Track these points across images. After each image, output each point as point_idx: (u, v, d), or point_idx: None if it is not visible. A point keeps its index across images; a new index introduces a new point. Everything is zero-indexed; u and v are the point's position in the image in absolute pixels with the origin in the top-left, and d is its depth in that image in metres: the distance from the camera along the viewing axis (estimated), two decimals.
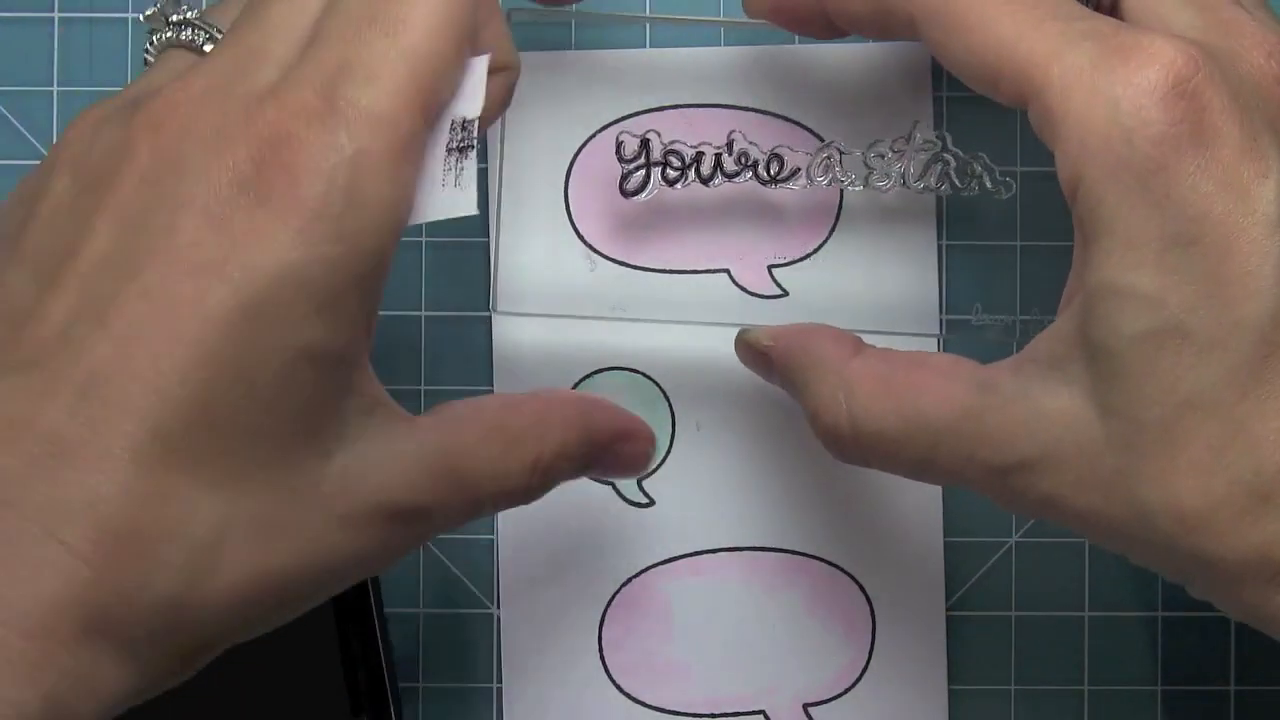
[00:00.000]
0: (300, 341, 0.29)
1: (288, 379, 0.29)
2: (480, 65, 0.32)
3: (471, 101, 0.32)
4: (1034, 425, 0.32)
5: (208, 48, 0.34)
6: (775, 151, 0.40)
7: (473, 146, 0.32)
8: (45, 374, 0.28)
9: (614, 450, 0.37)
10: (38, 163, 0.32)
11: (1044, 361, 0.32)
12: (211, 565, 0.29)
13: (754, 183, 0.40)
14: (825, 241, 0.42)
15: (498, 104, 0.34)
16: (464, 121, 0.32)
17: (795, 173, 0.40)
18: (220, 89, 0.30)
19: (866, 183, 0.40)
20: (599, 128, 0.41)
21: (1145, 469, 0.31)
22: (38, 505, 0.28)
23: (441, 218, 0.31)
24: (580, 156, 0.42)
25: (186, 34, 0.34)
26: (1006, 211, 0.42)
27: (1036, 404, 0.32)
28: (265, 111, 0.30)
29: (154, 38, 0.35)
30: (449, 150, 0.31)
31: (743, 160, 0.40)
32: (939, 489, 0.42)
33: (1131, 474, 0.31)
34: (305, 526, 0.30)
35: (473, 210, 0.31)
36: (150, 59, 0.35)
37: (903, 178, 0.40)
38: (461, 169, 0.31)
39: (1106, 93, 0.31)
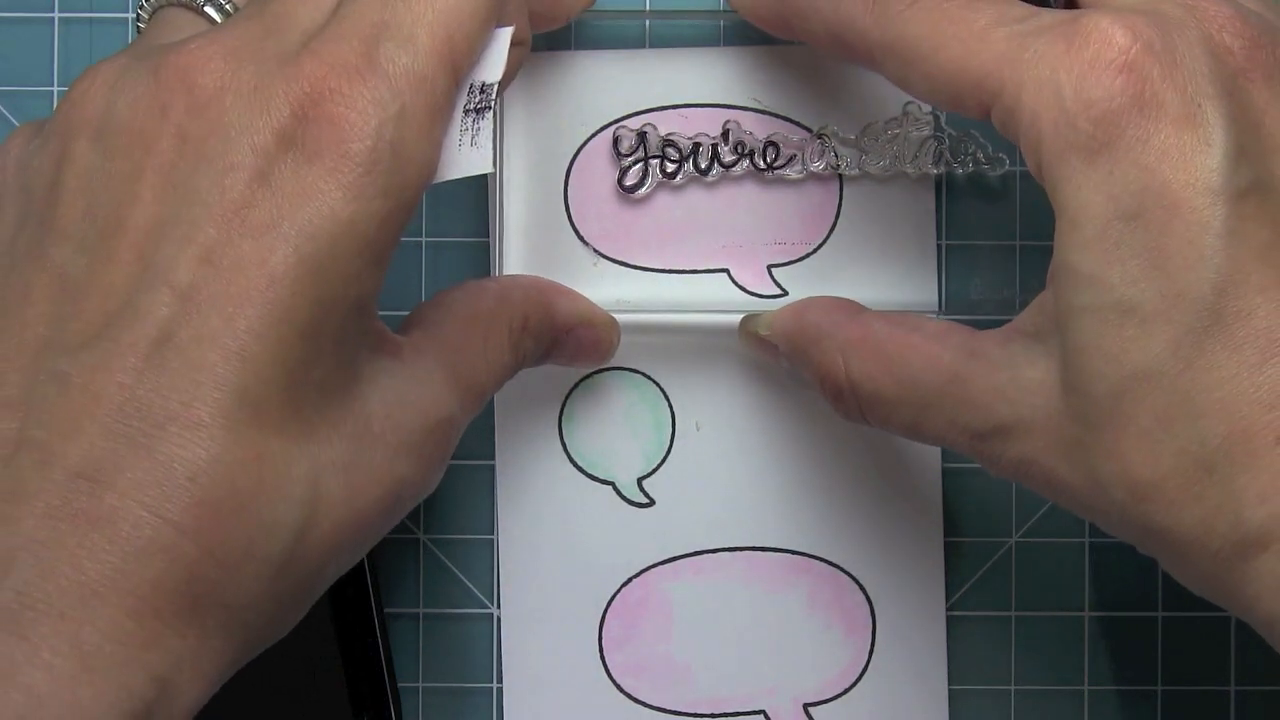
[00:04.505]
0: (355, 294, 0.30)
1: (343, 330, 0.30)
2: (504, 35, 0.33)
3: (493, 67, 0.33)
4: (1011, 393, 0.33)
5: (208, 8, 0.34)
6: (770, 140, 0.41)
7: (489, 108, 0.32)
8: (119, 346, 0.28)
9: (576, 334, 0.39)
10: None
11: (1029, 333, 0.33)
12: (312, 519, 0.30)
13: (751, 171, 0.41)
14: (824, 241, 0.42)
15: (510, 76, 0.34)
16: (483, 85, 0.32)
17: (791, 159, 0.41)
18: (251, 48, 0.31)
19: (861, 165, 0.41)
20: (598, 127, 0.41)
21: (1099, 441, 0.31)
22: (135, 483, 0.28)
23: (459, 176, 0.32)
24: (580, 156, 0.42)
25: None
26: (1006, 212, 0.42)
27: (1017, 373, 0.33)
28: (303, 66, 0.30)
29: None
30: (466, 111, 0.32)
31: (739, 149, 0.41)
32: (939, 489, 0.42)
33: (1088, 445, 0.31)
34: (374, 465, 0.31)
35: (489, 168, 0.32)
36: (144, 15, 0.35)
37: (897, 158, 0.41)
38: (479, 129, 0.32)
39: (1051, 80, 0.31)
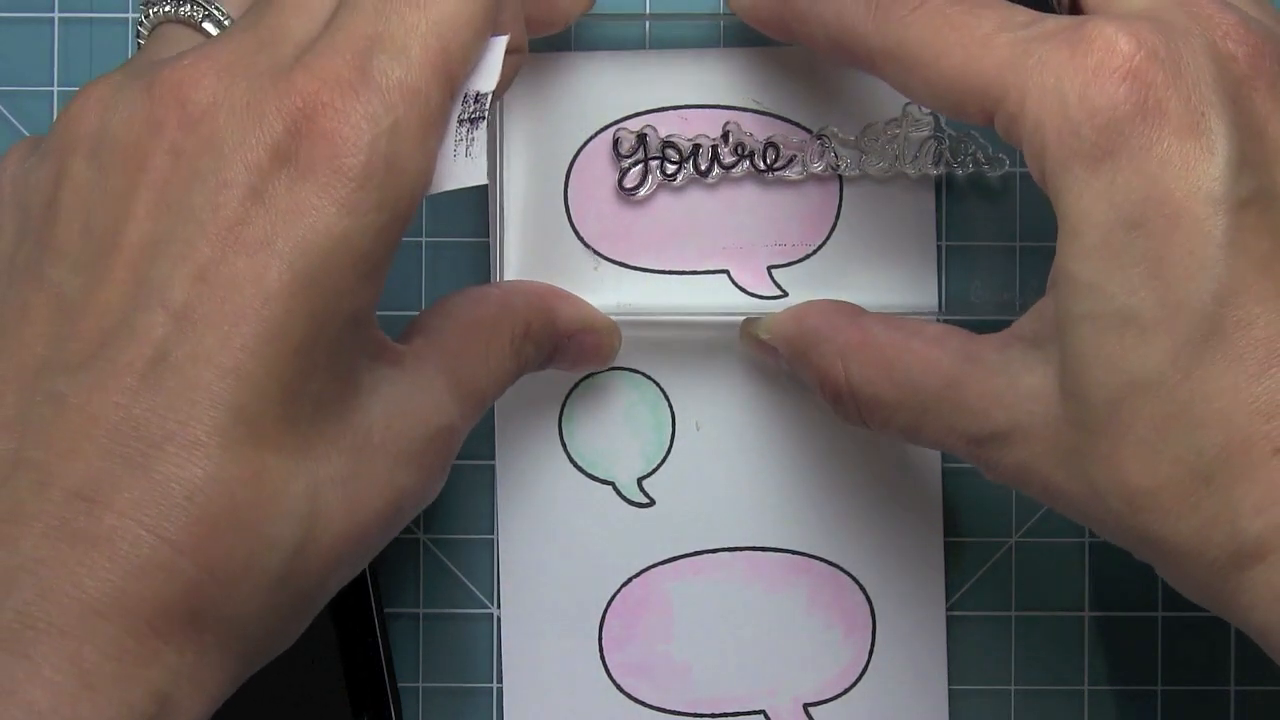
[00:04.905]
0: (351, 307, 0.30)
1: (339, 344, 0.30)
2: (499, 45, 0.33)
3: (487, 77, 0.32)
4: (1008, 398, 0.33)
5: (206, 25, 0.34)
6: (770, 141, 0.41)
7: (483, 118, 0.32)
8: (115, 367, 0.29)
9: (577, 340, 0.39)
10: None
11: (1027, 339, 0.33)
12: (312, 532, 0.30)
13: (751, 173, 0.41)
14: (824, 243, 0.42)
15: (505, 84, 0.34)
16: (477, 94, 0.32)
17: (791, 160, 0.41)
18: (243, 62, 0.30)
19: (861, 166, 0.41)
20: (598, 129, 0.41)
21: (1096, 448, 0.31)
22: (133, 502, 0.28)
23: (454, 187, 0.32)
24: (580, 158, 0.41)
25: (185, 9, 0.34)
26: (1006, 213, 0.42)
27: (1014, 378, 0.33)
28: (295, 81, 0.30)
29: (149, 11, 0.34)
30: (461, 121, 0.32)
31: (739, 151, 0.41)
32: (939, 489, 0.42)
33: (1085, 453, 0.31)
34: (374, 476, 0.31)
35: (483, 180, 0.32)
36: (144, 31, 0.35)
37: (897, 159, 0.41)
38: (472, 140, 0.32)
39: (1056, 88, 0.31)
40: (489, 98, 0.32)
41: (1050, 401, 0.32)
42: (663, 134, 0.41)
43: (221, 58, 0.31)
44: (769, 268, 0.42)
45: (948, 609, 0.42)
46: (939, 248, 0.42)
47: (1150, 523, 0.31)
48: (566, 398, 0.42)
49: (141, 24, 0.35)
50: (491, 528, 0.42)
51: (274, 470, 0.29)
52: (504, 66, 0.33)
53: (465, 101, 0.32)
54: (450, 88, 0.31)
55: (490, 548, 0.42)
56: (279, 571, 0.29)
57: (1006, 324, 0.34)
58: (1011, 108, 0.32)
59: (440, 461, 0.34)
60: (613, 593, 0.42)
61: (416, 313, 0.37)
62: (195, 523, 0.28)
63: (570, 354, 0.39)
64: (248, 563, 0.29)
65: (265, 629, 0.30)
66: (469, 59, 0.32)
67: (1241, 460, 0.30)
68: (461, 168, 0.32)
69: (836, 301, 0.38)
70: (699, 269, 0.42)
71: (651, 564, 0.42)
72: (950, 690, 0.42)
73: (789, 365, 0.39)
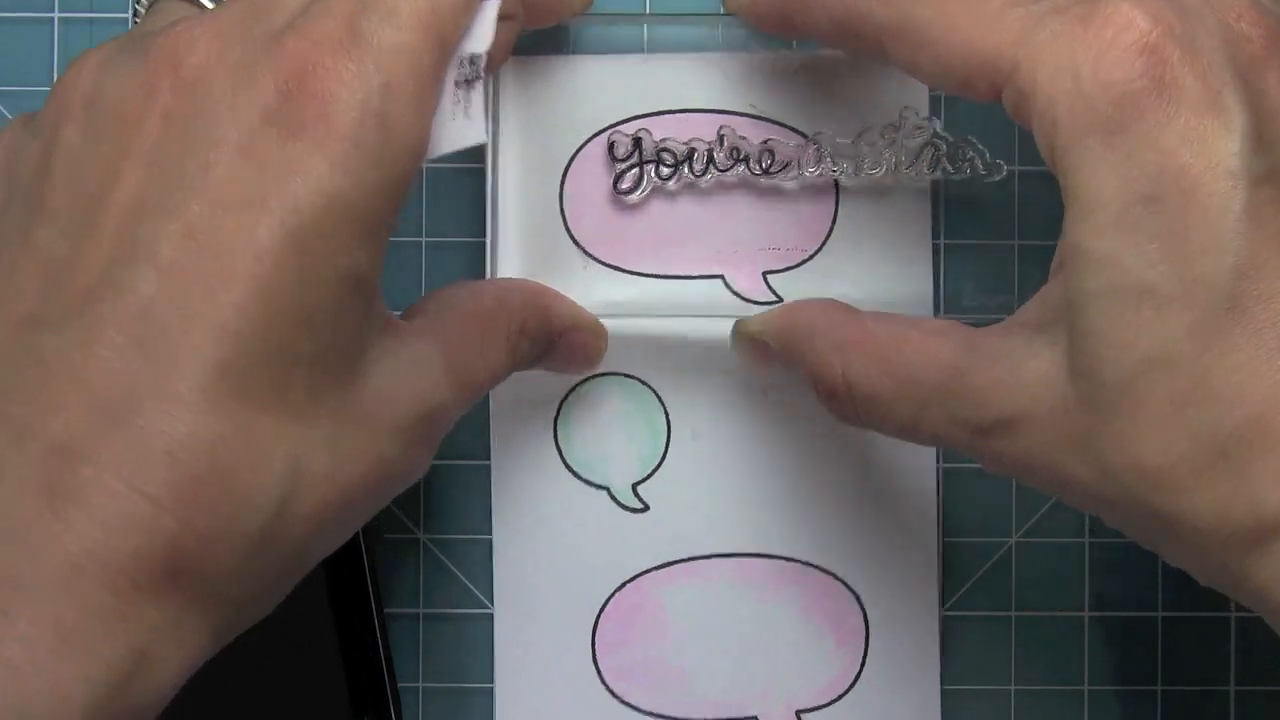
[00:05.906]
0: (345, 269, 0.30)
1: (334, 306, 0.30)
2: (491, 8, 0.33)
3: (480, 39, 0.32)
4: (1012, 384, 0.32)
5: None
6: (766, 145, 0.41)
7: (480, 79, 0.32)
8: (98, 321, 0.28)
9: (567, 339, 0.39)
10: None
11: (1031, 325, 0.33)
12: (294, 494, 0.30)
13: (746, 177, 0.41)
14: (820, 248, 0.41)
15: (503, 51, 0.34)
16: (471, 56, 0.32)
17: (787, 165, 0.41)
18: (237, 28, 0.31)
19: (858, 171, 0.40)
20: (593, 132, 0.41)
21: (1109, 428, 0.31)
22: (114, 457, 0.28)
23: (454, 149, 0.32)
24: (575, 161, 0.41)
25: None
26: (1003, 217, 0.42)
27: (1018, 365, 0.32)
28: (286, 43, 0.30)
29: None
30: (456, 84, 0.32)
31: (735, 155, 0.41)
32: (934, 497, 0.42)
33: (1098, 433, 0.31)
34: (363, 445, 0.31)
35: (483, 138, 0.32)
36: (142, 9, 0.35)
37: (894, 163, 0.40)
38: (470, 100, 0.32)
39: (1069, 62, 0.31)
40: (484, 58, 0.32)
41: (1057, 385, 0.32)
42: (658, 138, 0.41)
43: (215, 24, 0.31)
44: (764, 273, 0.41)
45: (947, 610, 0.42)
46: (935, 250, 0.42)
47: (1166, 501, 0.30)
48: (562, 402, 0.42)
49: (139, 1, 0.35)
50: (490, 528, 0.42)
51: (258, 429, 0.29)
52: (499, 32, 0.33)
53: (460, 65, 0.32)
54: (442, 48, 0.31)
55: (489, 548, 0.43)
56: (260, 531, 0.29)
57: (1003, 302, 0.34)
58: (1021, 83, 0.31)
59: (428, 439, 0.33)
60: (606, 597, 0.42)
61: None
62: (176, 478, 0.28)
63: (560, 353, 0.39)
64: (228, 520, 0.29)
65: (245, 590, 0.30)
66: (460, 20, 0.32)
67: (1261, 435, 0.29)
68: (460, 127, 0.32)
69: (831, 300, 0.38)
70: (694, 274, 0.41)
71: (645, 569, 0.42)
72: (949, 691, 0.42)
73: (781, 361, 0.38)
